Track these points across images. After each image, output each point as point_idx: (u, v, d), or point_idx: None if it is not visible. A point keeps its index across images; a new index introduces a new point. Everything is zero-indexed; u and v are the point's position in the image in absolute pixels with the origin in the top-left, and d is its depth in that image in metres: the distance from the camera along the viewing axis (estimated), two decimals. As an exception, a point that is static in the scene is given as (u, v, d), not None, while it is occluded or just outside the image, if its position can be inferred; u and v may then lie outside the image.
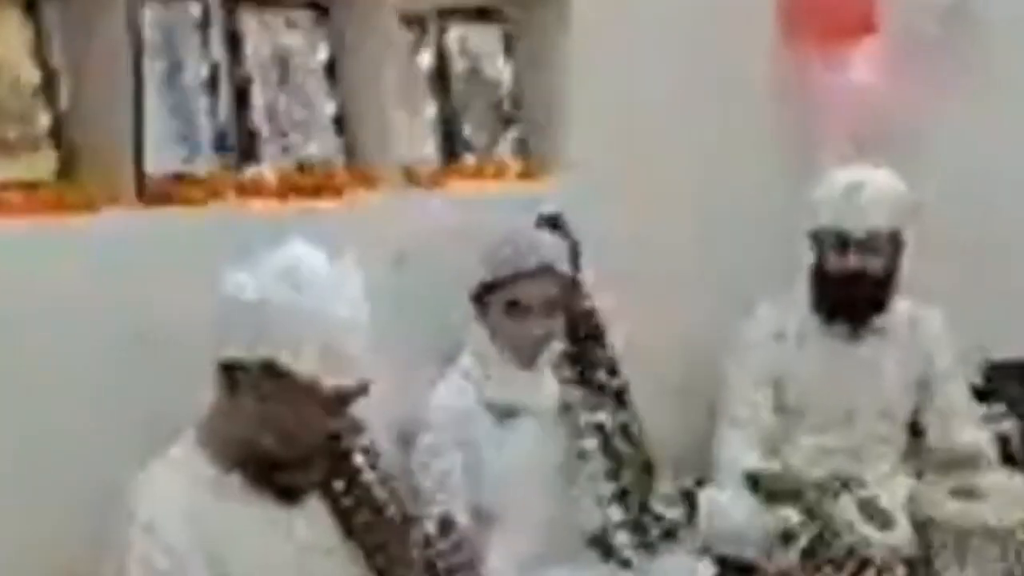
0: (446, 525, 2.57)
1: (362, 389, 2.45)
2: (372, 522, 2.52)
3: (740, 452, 3.98)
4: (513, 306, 3.24)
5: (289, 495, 2.47)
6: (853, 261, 3.91)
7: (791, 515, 3.67)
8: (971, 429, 4.08)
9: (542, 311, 3.26)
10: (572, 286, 3.41)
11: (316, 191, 3.22)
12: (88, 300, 2.68)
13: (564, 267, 3.33)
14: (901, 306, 4.05)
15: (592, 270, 3.56)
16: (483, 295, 3.29)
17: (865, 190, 3.91)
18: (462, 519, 2.97)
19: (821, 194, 4.00)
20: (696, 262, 4.30)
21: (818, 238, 4.00)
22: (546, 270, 3.27)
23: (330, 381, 2.38)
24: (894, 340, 4.06)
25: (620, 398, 3.44)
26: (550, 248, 3.31)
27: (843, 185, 3.95)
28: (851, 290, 3.95)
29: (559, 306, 3.31)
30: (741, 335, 4.11)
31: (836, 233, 3.93)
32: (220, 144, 3.12)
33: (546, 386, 3.37)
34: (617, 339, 3.50)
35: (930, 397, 4.10)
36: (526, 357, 3.30)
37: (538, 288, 3.26)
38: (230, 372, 2.42)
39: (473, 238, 3.35)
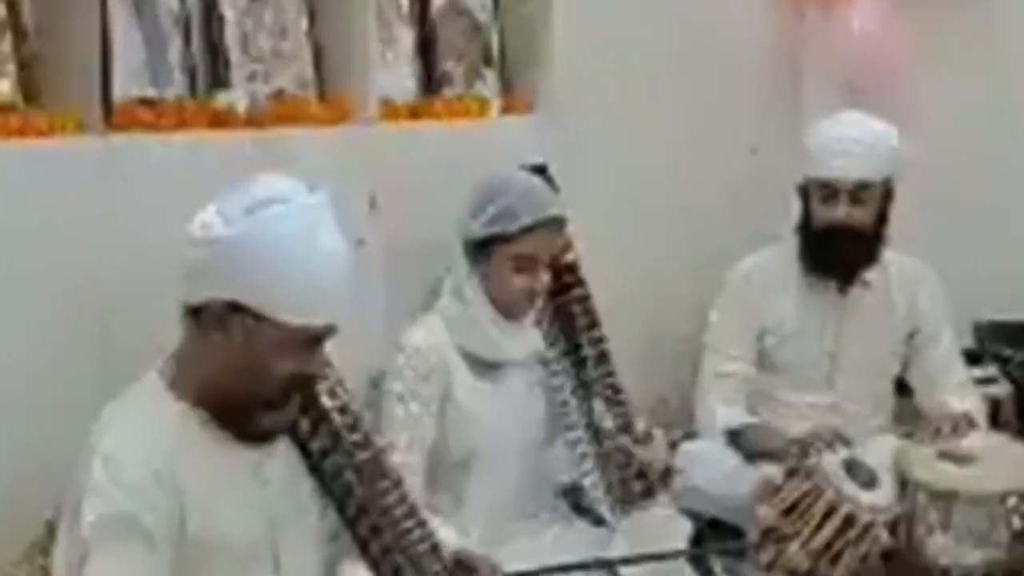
0: (462, 562, 2.57)
1: (333, 329, 2.37)
2: (341, 467, 2.45)
3: (722, 407, 3.91)
4: (523, 259, 3.17)
5: (258, 436, 2.39)
6: (841, 212, 3.82)
7: (773, 472, 3.60)
8: (960, 391, 4.00)
9: (546, 264, 3.20)
10: (564, 238, 3.34)
11: (288, 122, 3.13)
12: (53, 226, 2.61)
13: (565, 219, 3.26)
14: (891, 261, 3.97)
15: (572, 216, 3.45)
16: (486, 246, 3.19)
17: (855, 140, 3.82)
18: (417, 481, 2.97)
19: (810, 144, 3.91)
20: (679, 209, 4.23)
21: (806, 189, 3.91)
22: (557, 222, 3.21)
23: (300, 321, 2.30)
24: (883, 295, 3.97)
25: (600, 353, 3.35)
26: (557, 198, 3.24)
27: (832, 135, 3.86)
28: (839, 241, 3.85)
29: (559, 259, 3.26)
30: (726, 287, 4.03)
31: (824, 183, 3.84)
32: (190, 71, 3.03)
33: (529, 339, 3.30)
34: (597, 290, 3.39)
35: (919, 355, 4.02)
36: (520, 310, 3.23)
37: (550, 240, 3.20)
38: (198, 311, 2.33)
39: (453, 177, 3.26)
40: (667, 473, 3.34)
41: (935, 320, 4.01)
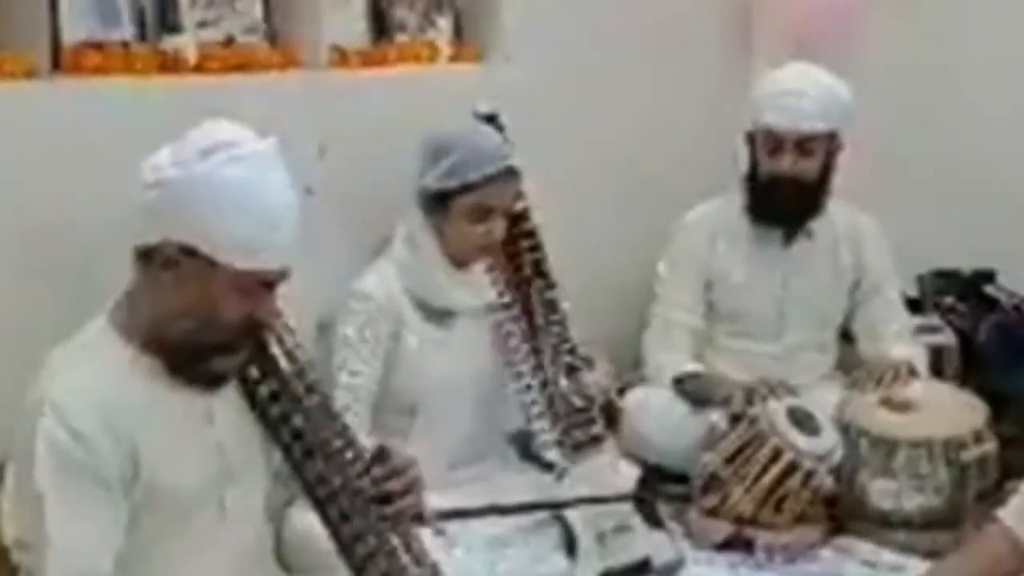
0: (383, 453, 2.49)
1: (283, 275, 2.36)
2: (289, 411, 2.44)
3: (669, 355, 3.93)
4: (480, 210, 3.18)
5: (207, 381, 2.38)
6: (787, 163, 3.81)
7: (718, 419, 3.65)
8: (902, 340, 4.02)
9: (502, 214, 3.22)
10: (517, 187, 3.34)
11: (238, 68, 3.12)
12: (9, 170, 2.62)
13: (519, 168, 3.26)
14: (836, 211, 3.97)
15: (523, 165, 3.45)
16: (441, 198, 3.19)
17: (802, 91, 3.81)
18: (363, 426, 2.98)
19: (757, 94, 3.91)
20: (631, 160, 4.23)
21: (753, 139, 3.91)
22: (512, 172, 3.21)
23: (248, 265, 2.29)
24: (827, 245, 3.98)
25: (550, 301, 3.36)
26: (510, 148, 3.25)
27: (779, 86, 3.86)
28: (784, 192, 3.85)
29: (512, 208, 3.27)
30: (674, 238, 4.03)
31: (771, 134, 3.83)
32: (139, 15, 3.00)
33: (479, 288, 3.31)
34: (548, 238, 3.40)
35: (862, 305, 4.04)
36: (474, 259, 3.25)
37: (506, 190, 3.22)
38: (149, 254, 2.32)
39: (403, 125, 3.25)
40: (609, 404, 3.35)
41: (879, 271, 4.03)
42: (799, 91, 3.80)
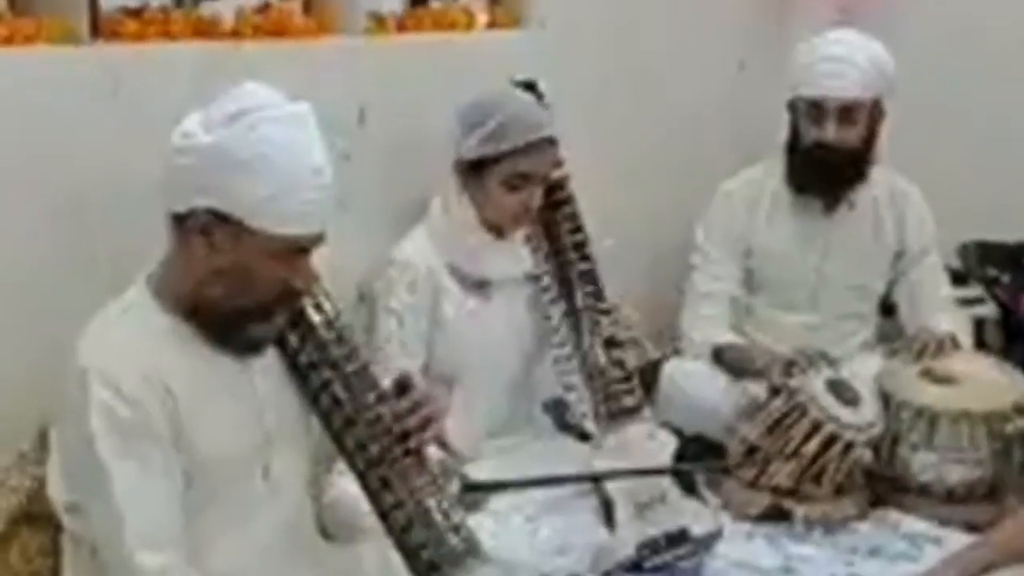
0: (403, 385, 2.48)
1: (318, 240, 2.34)
2: (328, 380, 2.42)
3: (707, 326, 3.90)
4: (516, 178, 3.16)
5: (244, 348, 2.37)
6: (829, 131, 3.77)
7: (757, 390, 3.62)
8: (945, 311, 3.98)
9: (539, 183, 3.20)
10: (557, 155, 3.32)
11: (274, 34, 3.09)
12: (41, 134, 2.59)
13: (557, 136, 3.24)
14: (879, 179, 3.93)
15: (559, 131, 3.42)
16: (478, 165, 3.18)
17: (845, 59, 3.77)
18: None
19: (799, 62, 3.86)
20: (667, 124, 4.20)
21: (795, 107, 3.87)
22: (550, 141, 3.20)
23: (280, 230, 2.27)
24: (869, 214, 3.94)
25: (588, 270, 3.34)
26: (549, 116, 3.23)
27: (822, 53, 3.81)
28: (826, 161, 3.81)
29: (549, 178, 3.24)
30: (712, 206, 4.00)
31: (813, 102, 3.79)
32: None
33: (517, 257, 3.30)
34: (585, 205, 3.37)
35: (904, 276, 4.00)
36: (511, 227, 3.24)
37: (544, 158, 3.20)
38: (182, 220, 2.30)
39: (441, 91, 3.24)
40: (635, 342, 3.32)
41: (922, 241, 3.98)
42: (842, 58, 3.76)
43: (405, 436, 2.43)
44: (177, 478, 2.29)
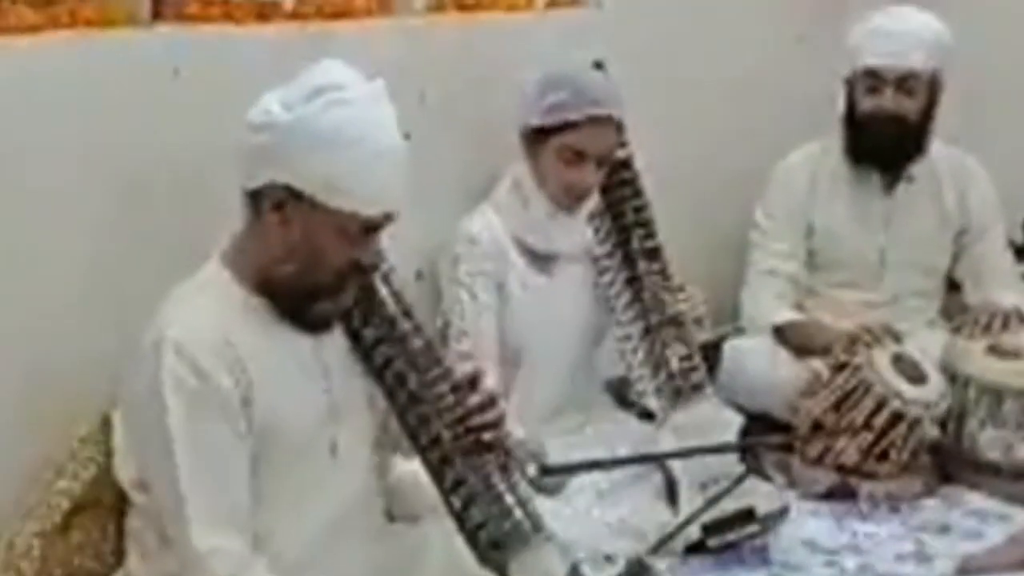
0: (475, 381, 2.48)
1: (390, 218, 2.36)
2: (393, 356, 2.44)
3: (769, 303, 3.90)
4: (572, 152, 3.17)
5: (314, 323, 2.40)
6: (888, 103, 3.78)
7: (821, 367, 3.61)
8: (1010, 286, 3.96)
9: (597, 161, 3.19)
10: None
11: (334, 15, 3.11)
12: (103, 116, 2.60)
13: (623, 118, 3.23)
14: (939, 154, 3.92)
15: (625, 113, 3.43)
16: (540, 135, 3.20)
17: (901, 29, 3.79)
18: (491, 366, 2.97)
19: (857, 35, 3.87)
20: (732, 107, 4.18)
21: (853, 80, 3.87)
22: (613, 120, 3.20)
23: (354, 208, 2.30)
24: (931, 189, 3.93)
25: (652, 249, 3.32)
26: (616, 96, 3.23)
27: (879, 25, 3.83)
28: (885, 133, 3.81)
29: (610, 159, 3.23)
30: (772, 184, 4.00)
31: (871, 72, 3.80)
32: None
33: (580, 233, 3.30)
34: (649, 185, 3.37)
35: (968, 251, 3.99)
36: (570, 204, 3.24)
37: (601, 137, 3.20)
38: (256, 197, 2.34)
39: (502, 72, 3.27)
40: (699, 321, 3.32)
41: (985, 216, 3.97)
42: (899, 30, 3.78)
43: (471, 429, 2.43)
44: (245, 455, 2.31)
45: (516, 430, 2.68)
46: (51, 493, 2.48)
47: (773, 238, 3.95)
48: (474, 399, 2.44)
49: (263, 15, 2.99)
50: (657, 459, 3.16)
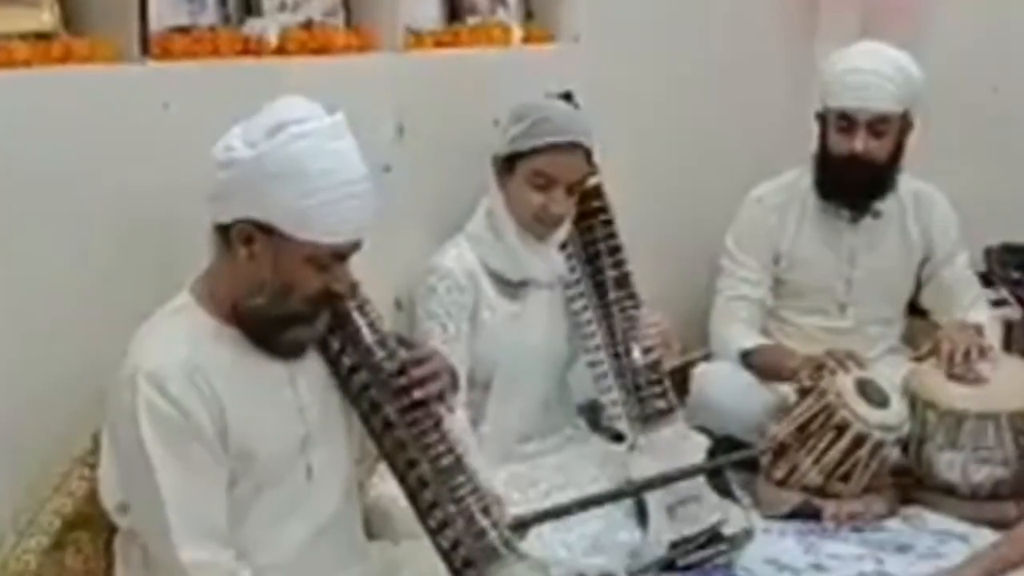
0: (405, 341, 2.56)
1: (355, 246, 2.41)
2: (368, 382, 2.50)
3: (736, 329, 3.96)
4: (539, 177, 3.23)
5: (287, 351, 2.45)
6: (858, 143, 3.79)
7: (787, 391, 3.69)
8: (976, 308, 4.02)
9: (566, 188, 3.24)
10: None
11: (317, 51, 3.17)
12: (94, 150, 2.65)
13: (592, 147, 3.29)
14: (904, 185, 3.95)
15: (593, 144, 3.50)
16: (508, 163, 3.26)
17: (872, 71, 3.78)
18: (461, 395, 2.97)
19: (828, 74, 3.89)
20: (700, 138, 4.26)
21: (824, 118, 3.89)
22: (579, 147, 3.25)
23: (321, 239, 2.35)
24: (896, 222, 3.98)
25: (622, 275, 3.39)
26: (585, 125, 3.29)
27: (849, 65, 3.83)
28: (854, 172, 3.83)
29: (580, 186, 3.29)
30: (742, 212, 4.05)
31: (842, 114, 3.81)
32: (223, 0, 3.06)
33: (552, 261, 3.34)
34: (619, 213, 3.44)
35: (933, 277, 4.03)
36: (541, 230, 3.29)
37: (568, 163, 3.24)
38: (225, 231, 2.39)
39: (477, 104, 3.33)
40: (667, 345, 3.36)
41: (948, 244, 4.01)
42: (870, 71, 3.77)
43: (408, 388, 2.48)
44: (223, 476, 2.36)
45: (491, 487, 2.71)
46: (45, 511, 2.51)
47: (742, 265, 3.99)
48: (404, 354, 2.50)
49: (248, 50, 3.04)
50: (626, 496, 3.19)
